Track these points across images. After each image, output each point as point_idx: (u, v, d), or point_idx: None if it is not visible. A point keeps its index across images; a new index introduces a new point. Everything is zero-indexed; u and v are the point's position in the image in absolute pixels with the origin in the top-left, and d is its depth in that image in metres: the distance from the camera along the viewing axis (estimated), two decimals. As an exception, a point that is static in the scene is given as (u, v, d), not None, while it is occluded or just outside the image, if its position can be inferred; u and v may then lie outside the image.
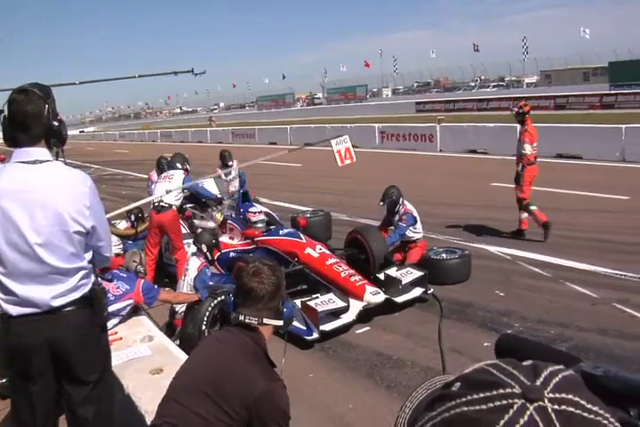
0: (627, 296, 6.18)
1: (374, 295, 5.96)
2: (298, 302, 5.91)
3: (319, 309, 5.70)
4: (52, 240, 2.62)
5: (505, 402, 0.52)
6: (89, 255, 2.83)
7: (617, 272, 6.90)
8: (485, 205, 11.13)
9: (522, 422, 0.50)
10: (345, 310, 5.88)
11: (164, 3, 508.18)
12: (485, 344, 5.17)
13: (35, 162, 2.65)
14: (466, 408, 0.53)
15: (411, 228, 7.47)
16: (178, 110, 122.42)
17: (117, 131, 66.45)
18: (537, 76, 61.23)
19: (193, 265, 5.96)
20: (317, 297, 6.00)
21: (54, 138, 2.75)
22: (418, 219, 7.56)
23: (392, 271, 6.64)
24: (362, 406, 4.51)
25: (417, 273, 6.57)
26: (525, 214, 8.82)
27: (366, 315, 6.11)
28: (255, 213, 7.57)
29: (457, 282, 6.91)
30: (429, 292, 6.48)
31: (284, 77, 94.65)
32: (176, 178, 7.53)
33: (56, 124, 2.72)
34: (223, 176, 9.35)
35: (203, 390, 2.23)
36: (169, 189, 7.16)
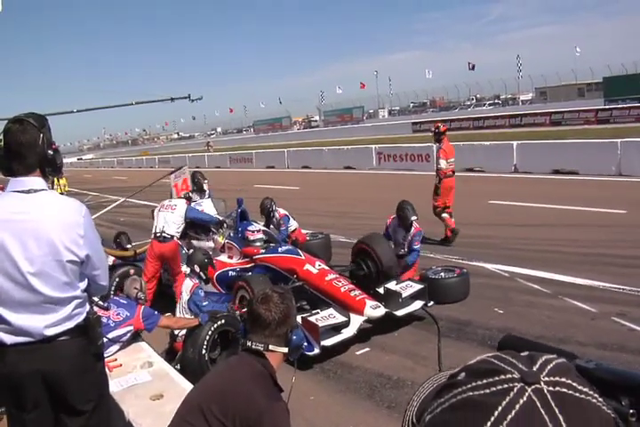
0: (625, 310, 6.19)
1: (374, 309, 5.96)
2: (298, 317, 5.90)
3: (320, 324, 5.69)
4: (45, 269, 2.62)
5: (506, 386, 0.58)
6: (84, 284, 2.82)
7: (615, 286, 6.91)
8: (483, 222, 11.15)
9: (521, 402, 0.56)
10: (345, 324, 5.87)
11: (157, 28, 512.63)
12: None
13: (29, 191, 2.66)
14: (471, 393, 0.59)
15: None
16: (175, 136, 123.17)
17: (115, 158, 66.81)
18: (532, 93, 61.71)
19: (186, 287, 5.98)
20: (317, 312, 6.00)
21: (49, 167, 2.76)
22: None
23: (392, 285, 6.66)
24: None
25: (417, 286, 6.59)
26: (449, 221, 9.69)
27: (365, 335, 6.11)
28: (253, 231, 7.59)
29: (456, 301, 6.90)
30: (429, 304, 6.50)
31: (280, 101, 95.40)
32: (179, 209, 7.56)
33: (51, 153, 2.72)
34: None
35: (209, 408, 2.25)
36: (174, 221, 7.34)
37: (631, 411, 0.68)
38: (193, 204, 9.23)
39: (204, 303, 5.88)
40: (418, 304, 6.47)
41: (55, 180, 15.50)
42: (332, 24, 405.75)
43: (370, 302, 6.05)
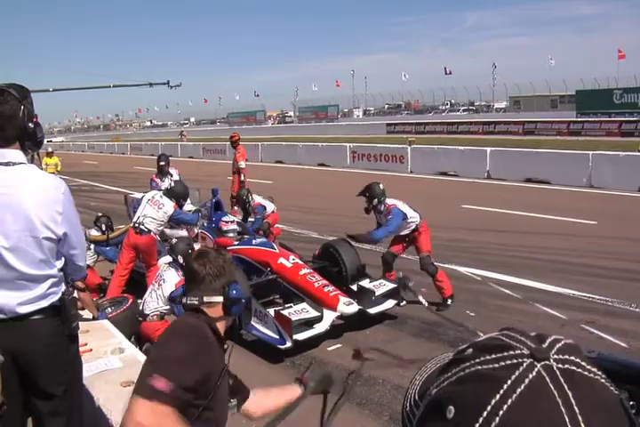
0: (594, 318, 6.29)
1: (348, 306, 5.94)
2: (271, 311, 5.88)
3: (292, 318, 5.66)
4: (20, 245, 2.53)
5: (515, 361, 0.58)
6: (60, 263, 2.76)
7: (584, 295, 7.01)
8: (456, 226, 11.21)
9: (530, 376, 0.56)
10: (318, 319, 5.86)
11: (135, 14, 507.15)
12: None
13: (7, 164, 2.56)
14: (480, 367, 0.59)
15: (410, 217, 6.93)
16: (148, 123, 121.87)
17: (86, 142, 65.90)
18: (506, 101, 62.35)
19: (171, 278, 5.84)
20: (291, 306, 5.97)
21: (29, 140, 2.67)
22: (406, 210, 6.91)
23: (365, 283, 6.66)
24: (334, 424, 4.46)
25: (390, 285, 6.59)
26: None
27: (337, 331, 6.10)
28: (227, 222, 7.53)
29: None
30: (402, 304, 6.52)
31: (256, 94, 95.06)
32: (165, 210, 7.34)
33: (31, 126, 2.63)
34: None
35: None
36: (156, 218, 7.22)
37: (631, 403, 0.69)
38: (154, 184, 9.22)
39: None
40: (391, 303, 6.48)
41: (44, 159, 15.23)
42: (312, 22, 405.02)
43: (343, 299, 6.03)
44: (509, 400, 0.55)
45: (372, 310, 6.28)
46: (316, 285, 6.23)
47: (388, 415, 4.50)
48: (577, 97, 43.59)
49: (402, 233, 7.03)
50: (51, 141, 65.38)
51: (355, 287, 6.62)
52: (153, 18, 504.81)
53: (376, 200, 6.91)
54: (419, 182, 19.00)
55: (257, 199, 9.04)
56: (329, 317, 5.92)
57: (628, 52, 54.82)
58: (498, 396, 0.55)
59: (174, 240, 6.53)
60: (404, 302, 6.58)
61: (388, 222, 6.80)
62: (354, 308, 5.99)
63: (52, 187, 2.66)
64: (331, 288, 6.21)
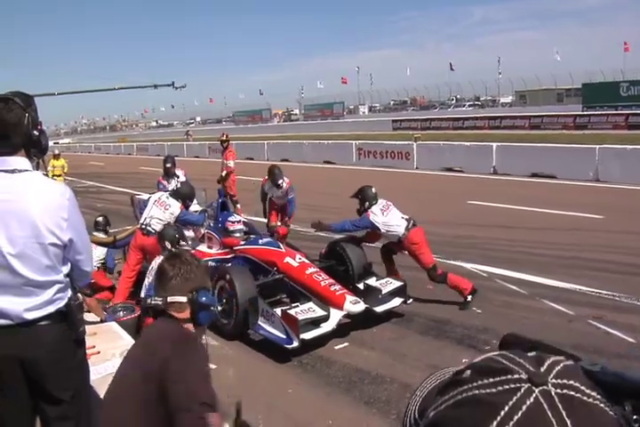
0: (601, 313, 6.27)
1: (354, 304, 5.95)
2: (278, 310, 5.90)
3: (299, 317, 5.67)
4: (26, 251, 2.56)
5: (513, 386, 0.56)
6: (66, 269, 2.77)
7: (591, 290, 7.00)
8: (461, 222, 11.21)
9: (528, 402, 0.55)
10: (325, 318, 5.86)
11: (140, 15, 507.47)
12: (464, 360, 5.14)
13: (13, 171, 2.60)
14: (477, 391, 0.58)
15: (386, 229, 6.97)
16: (154, 124, 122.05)
17: (92, 143, 66.06)
18: (512, 96, 62.10)
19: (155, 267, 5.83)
20: (297, 306, 5.98)
21: (34, 148, 2.71)
22: (382, 221, 6.93)
23: (372, 281, 6.67)
24: (341, 423, 4.49)
25: (396, 283, 6.60)
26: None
27: (344, 330, 6.11)
28: (234, 222, 7.53)
29: None
30: (409, 302, 6.52)
31: (261, 93, 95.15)
32: (172, 211, 7.35)
33: (36, 133, 2.67)
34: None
35: (123, 376, 2.28)
36: (163, 219, 7.20)
37: (635, 417, 0.68)
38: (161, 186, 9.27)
39: None
40: (397, 301, 6.48)
41: (51, 162, 15.34)
42: (315, 19, 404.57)
43: (350, 297, 6.04)
44: None
45: (379, 309, 6.28)
46: (322, 284, 6.24)
47: (396, 414, 4.49)
48: (583, 90, 43.29)
49: (387, 240, 7.27)
50: (57, 143, 65.69)
51: (361, 286, 6.64)
52: (155, 18, 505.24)
53: (367, 203, 7.07)
54: (424, 179, 19.00)
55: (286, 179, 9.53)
56: (336, 316, 5.92)
57: (633, 45, 54.61)
58: (495, 423, 0.54)
59: (168, 230, 6.47)
60: (411, 300, 6.59)
61: (353, 221, 7.17)
62: (360, 306, 5.99)
63: (57, 193, 2.69)
64: (337, 287, 6.21)
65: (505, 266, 8.15)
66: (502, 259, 8.56)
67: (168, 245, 6.06)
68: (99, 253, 7.72)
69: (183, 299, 2.32)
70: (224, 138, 14.09)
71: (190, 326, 2.37)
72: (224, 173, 13.63)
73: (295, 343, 5.57)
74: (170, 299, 2.31)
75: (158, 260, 5.92)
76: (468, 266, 8.25)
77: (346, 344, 5.99)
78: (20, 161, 2.64)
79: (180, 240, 6.29)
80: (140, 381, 2.15)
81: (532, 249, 9.00)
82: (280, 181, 9.35)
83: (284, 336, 5.67)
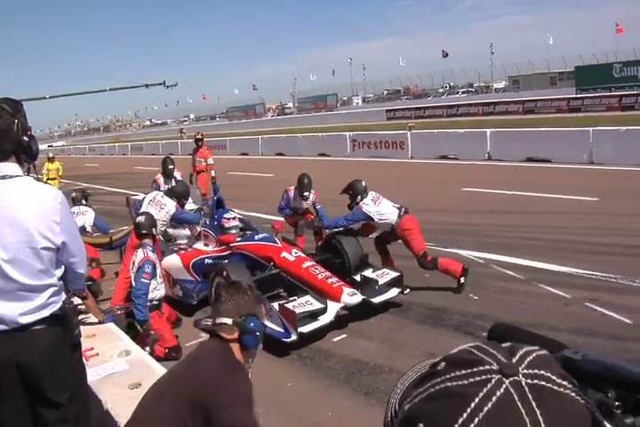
0: (598, 295, 6.30)
1: (351, 296, 5.98)
2: (275, 304, 5.93)
3: (297, 311, 5.70)
4: (19, 257, 2.56)
5: (484, 377, 0.57)
6: (60, 272, 2.78)
7: (587, 272, 7.02)
8: (457, 210, 11.23)
9: (498, 393, 0.55)
10: (323, 311, 5.89)
11: (129, 13, 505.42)
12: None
13: (4, 177, 2.60)
14: (450, 384, 0.58)
15: (379, 218, 7.05)
16: (148, 123, 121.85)
17: (87, 144, 65.94)
18: (505, 81, 61.99)
19: (137, 258, 5.80)
20: (295, 299, 6.02)
21: (24, 153, 2.70)
22: (374, 210, 7.01)
23: (368, 273, 6.72)
24: (341, 414, 4.53)
25: (393, 274, 6.63)
26: None
27: (342, 322, 6.14)
28: (229, 218, 7.54)
29: None
30: (406, 292, 6.55)
31: (254, 88, 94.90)
32: (167, 210, 7.37)
33: (26, 139, 2.66)
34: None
35: (164, 392, 2.39)
36: (158, 218, 7.11)
37: (617, 403, 0.68)
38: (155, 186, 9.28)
39: (146, 281, 5.64)
40: (394, 292, 6.51)
41: (46, 165, 15.38)
42: (305, 11, 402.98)
43: (347, 289, 6.07)
44: (476, 419, 0.54)
45: (376, 300, 6.31)
46: (319, 277, 6.27)
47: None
48: (576, 73, 43.23)
49: (380, 230, 7.33)
50: (52, 146, 65.56)
51: (358, 278, 6.67)
52: (146, 15, 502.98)
53: (359, 197, 7.13)
54: (419, 167, 19.01)
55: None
56: (333, 308, 5.95)
57: (625, 26, 54.41)
58: (465, 415, 0.55)
59: (139, 218, 6.42)
60: (408, 290, 6.62)
61: (346, 215, 7.23)
62: (357, 298, 6.02)
63: (48, 198, 2.69)
64: (334, 280, 6.24)
65: (501, 252, 8.17)
66: (498, 245, 8.58)
67: (148, 231, 6.05)
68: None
69: (229, 321, 2.52)
70: (199, 136, 14.93)
71: (237, 348, 2.55)
72: (213, 173, 14.29)
73: (293, 337, 5.60)
74: (218, 320, 2.52)
75: (139, 254, 5.93)
76: (464, 253, 8.26)
77: (344, 336, 6.02)
78: (10, 167, 2.64)
79: (155, 225, 6.29)
80: (181, 405, 2.29)
81: (527, 234, 9.03)
82: (307, 193, 8.38)
83: (283, 330, 5.70)
